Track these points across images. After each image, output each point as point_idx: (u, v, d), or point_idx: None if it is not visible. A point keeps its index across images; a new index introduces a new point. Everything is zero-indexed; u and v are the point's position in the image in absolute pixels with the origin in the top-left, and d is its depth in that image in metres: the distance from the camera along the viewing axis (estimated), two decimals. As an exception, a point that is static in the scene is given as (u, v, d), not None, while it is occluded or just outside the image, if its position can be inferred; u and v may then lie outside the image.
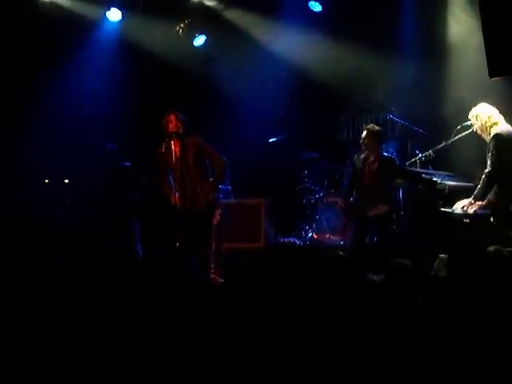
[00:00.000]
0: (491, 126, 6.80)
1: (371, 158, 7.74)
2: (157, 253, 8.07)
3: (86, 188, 8.81)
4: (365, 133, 7.71)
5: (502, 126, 6.77)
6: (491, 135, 6.75)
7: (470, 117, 6.98)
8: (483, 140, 6.92)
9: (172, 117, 7.14)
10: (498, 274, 3.70)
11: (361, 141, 7.74)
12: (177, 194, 7.11)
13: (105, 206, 8.36)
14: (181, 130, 7.12)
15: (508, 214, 6.60)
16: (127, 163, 8.56)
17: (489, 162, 6.69)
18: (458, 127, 7.25)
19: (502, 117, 6.85)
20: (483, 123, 6.83)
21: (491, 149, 6.69)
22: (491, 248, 3.90)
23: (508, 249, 4.47)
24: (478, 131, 6.92)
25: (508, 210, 6.61)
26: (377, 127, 7.90)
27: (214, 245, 7.62)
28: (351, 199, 7.92)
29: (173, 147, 7.11)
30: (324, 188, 9.67)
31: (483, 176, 6.72)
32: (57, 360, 3.65)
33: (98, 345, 3.74)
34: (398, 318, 3.69)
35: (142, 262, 7.78)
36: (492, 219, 6.62)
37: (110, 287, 4.47)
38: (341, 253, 4.87)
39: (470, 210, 6.71)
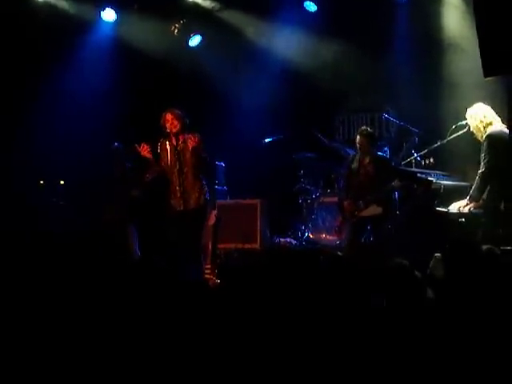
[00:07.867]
0: (485, 127, 6.83)
1: (366, 160, 7.75)
2: (154, 254, 8.05)
3: (83, 189, 8.77)
4: (358, 136, 7.72)
5: (495, 127, 6.80)
6: (484, 136, 6.78)
7: (466, 116, 7.02)
8: (477, 140, 6.94)
9: (169, 116, 7.10)
10: (491, 273, 3.73)
11: (357, 145, 7.74)
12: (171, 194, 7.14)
13: (102, 207, 8.33)
14: (179, 128, 7.09)
15: (500, 213, 6.62)
16: (128, 164, 8.51)
17: (482, 162, 6.72)
18: (453, 127, 7.29)
19: (497, 117, 6.87)
20: (478, 123, 6.87)
21: (485, 149, 6.72)
22: (484, 247, 3.93)
23: (501, 247, 4.48)
24: (474, 131, 6.95)
25: (500, 209, 6.64)
26: (369, 129, 7.90)
27: (210, 245, 7.60)
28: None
29: (168, 147, 7.11)
30: (320, 188, 9.66)
31: (477, 176, 6.74)
32: (55, 361, 3.65)
33: (96, 345, 3.74)
34: (395, 316, 3.70)
35: (140, 262, 7.76)
36: (484, 218, 6.64)
37: (107, 288, 4.47)
38: (339, 253, 4.89)
39: (465, 210, 6.74)
